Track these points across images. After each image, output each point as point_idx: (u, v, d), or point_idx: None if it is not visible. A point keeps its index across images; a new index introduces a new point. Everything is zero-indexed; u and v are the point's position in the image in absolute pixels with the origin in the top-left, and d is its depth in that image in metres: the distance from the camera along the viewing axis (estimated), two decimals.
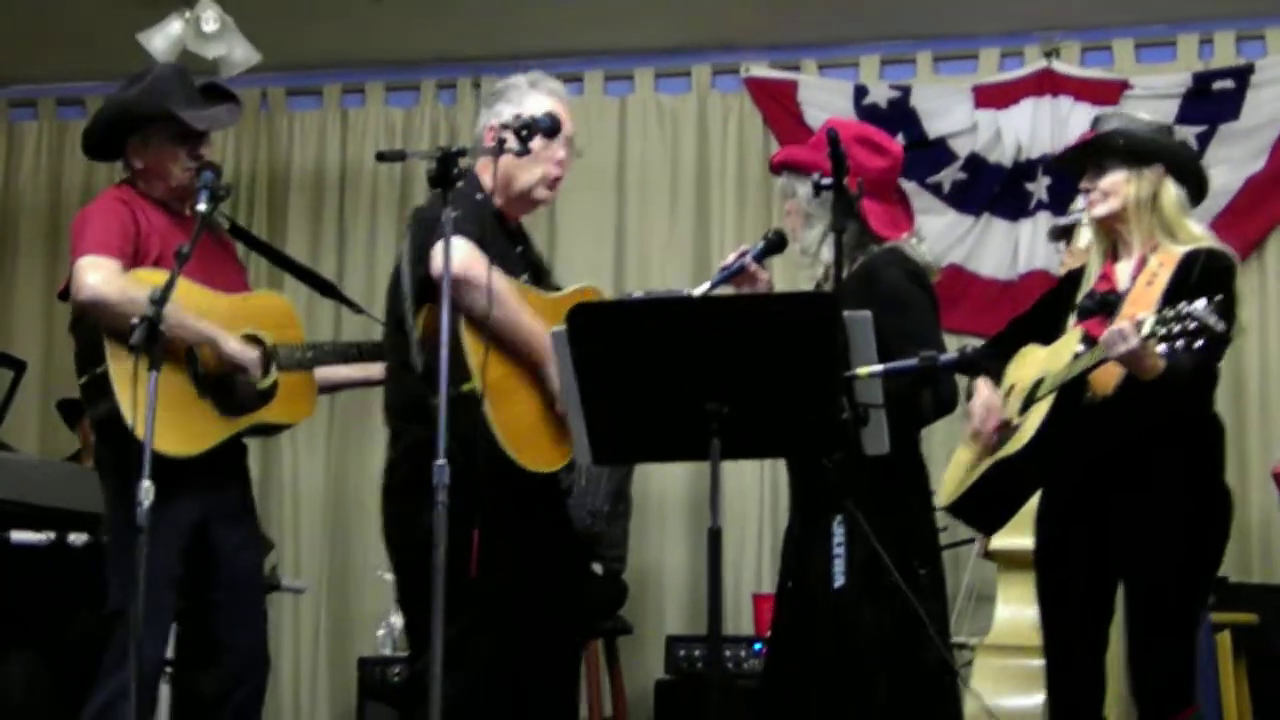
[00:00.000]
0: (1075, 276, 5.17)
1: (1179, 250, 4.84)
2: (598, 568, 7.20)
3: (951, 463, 5.16)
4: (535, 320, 4.74)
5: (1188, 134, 7.74)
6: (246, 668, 5.25)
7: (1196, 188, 5.04)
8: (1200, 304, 4.30)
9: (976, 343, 5.41)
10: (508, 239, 4.99)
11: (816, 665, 4.55)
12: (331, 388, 5.63)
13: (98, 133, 5.29)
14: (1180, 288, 4.68)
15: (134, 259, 5.02)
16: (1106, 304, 4.89)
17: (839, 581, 4.29)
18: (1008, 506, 5.08)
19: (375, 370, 5.51)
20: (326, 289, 5.79)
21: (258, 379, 5.13)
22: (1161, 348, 4.37)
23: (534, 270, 5.08)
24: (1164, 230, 4.91)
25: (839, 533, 4.26)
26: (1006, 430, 4.92)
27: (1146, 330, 4.39)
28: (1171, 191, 4.93)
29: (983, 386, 4.98)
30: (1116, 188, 4.95)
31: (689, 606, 8.17)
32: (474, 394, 4.52)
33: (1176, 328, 4.35)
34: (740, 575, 8.10)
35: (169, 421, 4.69)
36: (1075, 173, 5.14)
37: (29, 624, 6.71)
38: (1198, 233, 4.92)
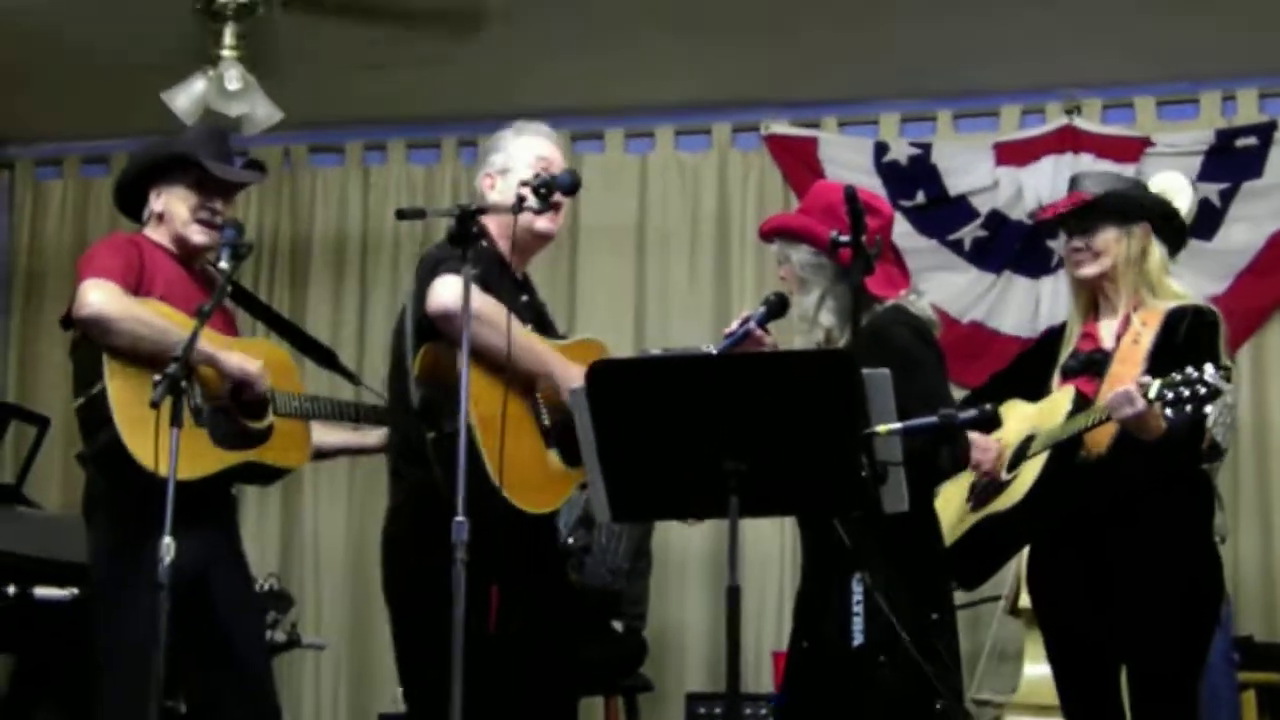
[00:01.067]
0: (1056, 333, 5.22)
1: (1161, 307, 4.90)
2: (618, 625, 7.19)
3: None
4: (530, 336, 4.76)
5: (1210, 191, 7.76)
6: None
7: (1176, 241, 5.10)
8: (1209, 369, 4.36)
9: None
10: (513, 287, 5.00)
11: None
12: (326, 454, 5.62)
13: (123, 185, 5.30)
14: (1167, 345, 4.74)
15: (135, 293, 4.99)
16: (1093, 363, 4.96)
17: (858, 640, 4.28)
18: (994, 561, 5.12)
19: (371, 438, 5.53)
20: (325, 358, 5.74)
21: (264, 390, 5.09)
22: (1168, 411, 4.42)
23: (539, 319, 5.09)
24: (1147, 288, 4.96)
25: (858, 591, 4.26)
26: (994, 486, 4.94)
27: (1153, 394, 4.43)
28: (1157, 250, 5.00)
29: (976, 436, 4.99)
30: (1108, 247, 5.00)
31: (709, 663, 8.15)
32: (469, 429, 4.47)
33: (1186, 391, 4.39)
34: (761, 632, 8.07)
35: (164, 445, 4.63)
36: (1054, 233, 5.18)
37: (53, 679, 6.72)
38: (1179, 289, 4.98)
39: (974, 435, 4.95)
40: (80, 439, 4.99)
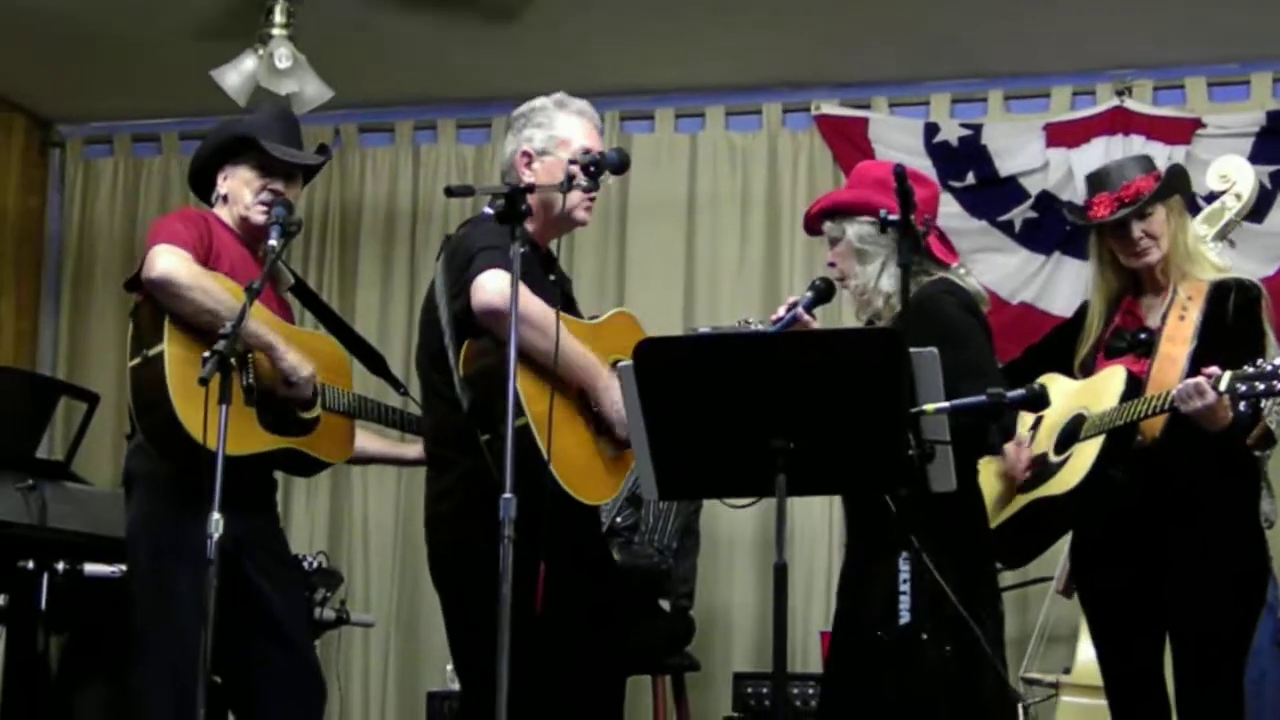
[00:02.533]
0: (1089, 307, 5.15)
1: (1204, 279, 4.83)
2: (665, 604, 7.19)
3: None
4: (582, 345, 4.74)
5: (1261, 173, 7.70)
6: None
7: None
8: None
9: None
10: (540, 266, 4.97)
11: (879, 702, 4.53)
12: (366, 460, 5.63)
13: (199, 164, 5.34)
14: (1216, 322, 4.68)
15: (204, 266, 5.01)
16: (1140, 342, 4.88)
17: (905, 619, 4.28)
18: (1041, 543, 5.07)
19: (411, 451, 5.54)
20: (376, 364, 5.74)
21: (308, 395, 5.11)
22: (1241, 406, 4.38)
23: (564, 297, 5.05)
24: (1188, 260, 4.89)
25: (904, 569, 4.25)
26: (1046, 467, 4.90)
27: (1224, 387, 4.38)
28: (1189, 220, 4.93)
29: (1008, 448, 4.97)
30: (1162, 228, 4.93)
31: (757, 643, 8.14)
32: (526, 430, 4.48)
33: (1261, 386, 4.34)
34: (809, 613, 8.06)
35: (213, 420, 4.64)
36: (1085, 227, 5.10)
37: (104, 656, 6.74)
38: (1216, 260, 4.91)
39: (1008, 447, 4.94)
40: (130, 400, 5.00)
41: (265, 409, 5.06)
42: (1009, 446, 4.91)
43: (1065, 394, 4.95)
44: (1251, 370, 4.39)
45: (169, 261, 4.89)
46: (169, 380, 4.84)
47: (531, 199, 4.78)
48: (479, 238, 4.73)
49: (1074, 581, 5.25)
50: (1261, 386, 4.38)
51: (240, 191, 5.21)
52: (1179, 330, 4.79)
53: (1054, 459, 4.94)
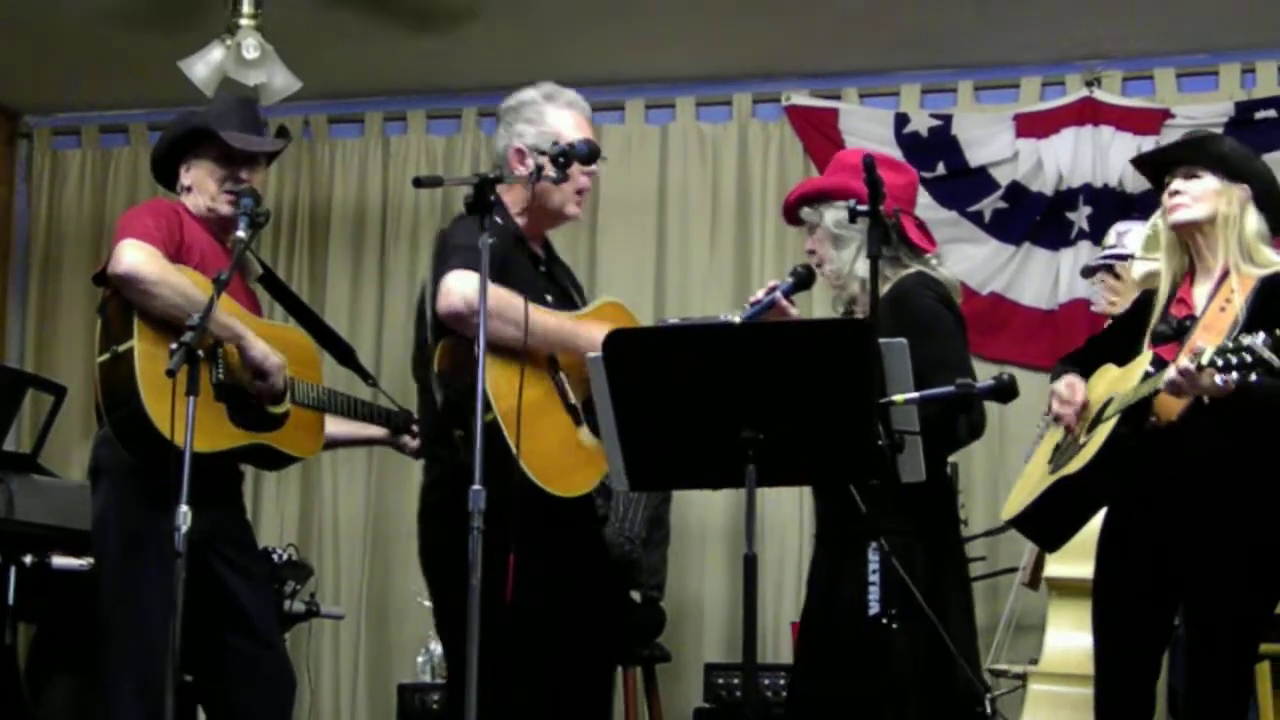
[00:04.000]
0: (1150, 297, 5.08)
1: (1256, 273, 4.77)
2: (636, 595, 7.19)
3: (1021, 475, 5.16)
4: (557, 317, 4.74)
5: None
6: None
7: (1274, 223, 4.91)
8: (1260, 338, 4.28)
9: (1013, 370, 5.39)
10: (530, 262, 4.96)
11: (849, 691, 4.54)
12: (333, 444, 5.62)
13: (159, 156, 5.33)
14: (1259, 316, 4.60)
15: (173, 261, 4.98)
16: (1184, 329, 4.81)
17: (874, 609, 4.28)
18: (1068, 524, 5.01)
19: (377, 430, 5.52)
20: (344, 355, 5.72)
21: (280, 387, 5.09)
22: (1220, 378, 4.34)
23: (560, 289, 5.04)
24: (1242, 252, 4.81)
25: (874, 560, 4.25)
26: (1074, 448, 4.89)
27: (1206, 360, 4.36)
28: (1254, 215, 4.85)
29: (1066, 375, 4.97)
30: (1208, 196, 4.83)
31: (728, 635, 8.16)
32: (494, 425, 4.47)
33: (1235, 360, 4.32)
34: (780, 604, 8.08)
35: (181, 415, 4.61)
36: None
37: (71, 649, 6.73)
38: (1275, 260, 4.84)
39: (1058, 387, 4.93)
40: (99, 396, 4.97)
41: (235, 404, 5.04)
42: (1060, 388, 4.93)
43: (1109, 380, 4.92)
44: (1230, 345, 4.35)
45: (135, 257, 4.86)
46: (139, 376, 4.80)
47: (516, 195, 4.79)
48: (456, 235, 4.72)
49: (1095, 567, 5.18)
50: (1235, 360, 4.34)
51: (204, 182, 5.19)
52: (1217, 320, 4.73)
53: (1082, 440, 4.92)
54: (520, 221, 4.93)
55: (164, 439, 4.62)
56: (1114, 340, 5.13)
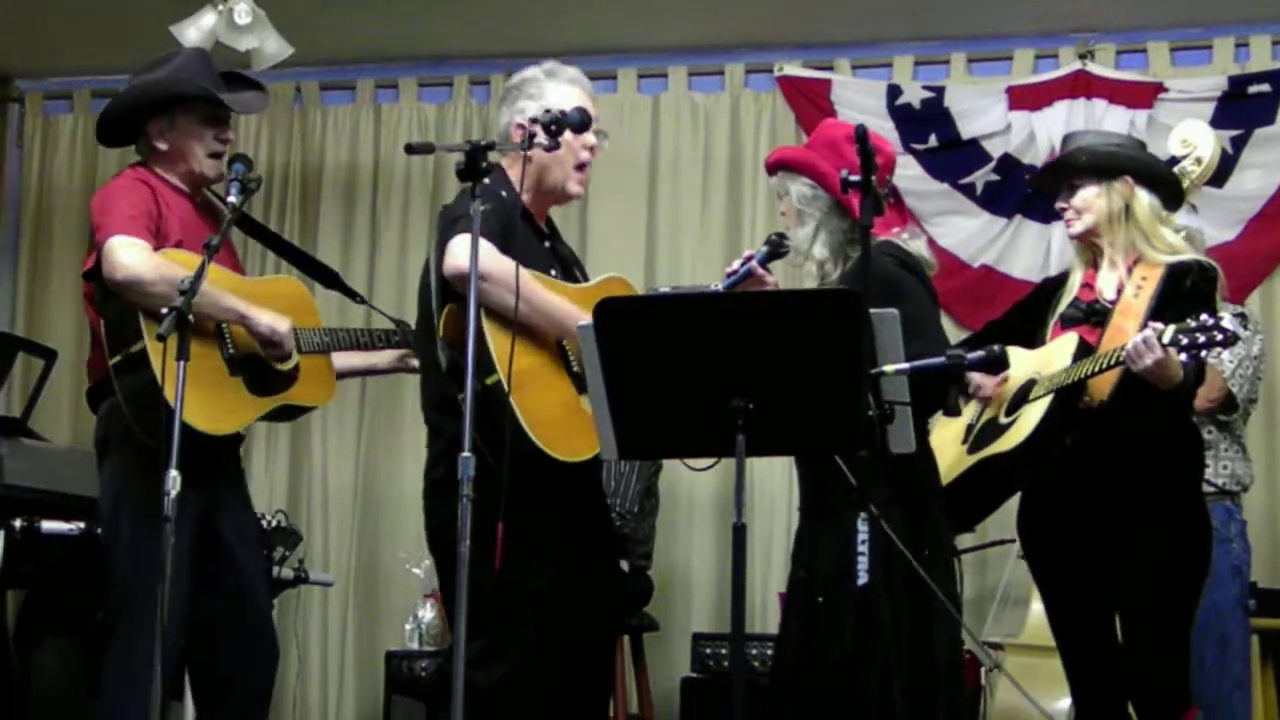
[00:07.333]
0: (1052, 283, 5.27)
1: (1161, 260, 4.93)
2: (624, 564, 7.20)
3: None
4: (561, 296, 4.75)
5: (1222, 137, 7.72)
6: (254, 706, 5.26)
7: (1170, 195, 5.14)
8: (1228, 316, 4.41)
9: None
10: (534, 235, 4.99)
11: (834, 660, 4.55)
12: (340, 375, 5.63)
13: (116, 115, 5.28)
14: (1169, 299, 4.77)
15: (155, 241, 4.99)
16: (1095, 313, 4.99)
17: (863, 580, 4.29)
18: (989, 503, 5.15)
19: (382, 359, 5.54)
20: (328, 278, 5.73)
21: (291, 349, 5.10)
22: (1183, 357, 4.47)
23: (563, 265, 5.08)
24: (1142, 239, 5.01)
25: (863, 530, 4.26)
26: (994, 428, 4.96)
27: (1168, 339, 4.48)
28: (1144, 201, 5.05)
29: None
30: (1088, 204, 5.11)
31: (716, 604, 8.15)
32: (498, 387, 4.51)
33: (1202, 338, 4.43)
34: (769, 573, 8.08)
35: (201, 400, 4.65)
36: (1051, 194, 5.23)
37: (61, 613, 6.74)
38: (1175, 242, 5.01)
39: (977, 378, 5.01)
40: (122, 402, 4.97)
41: (250, 374, 5.07)
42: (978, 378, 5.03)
43: (1021, 362, 5.01)
44: (1194, 324, 4.50)
45: (129, 259, 4.87)
46: (160, 378, 4.81)
47: (515, 168, 4.80)
48: (460, 206, 4.74)
49: (1023, 548, 5.30)
50: (1202, 338, 4.49)
51: (188, 146, 5.17)
52: (1132, 305, 4.90)
53: (1003, 421, 4.99)
54: (525, 198, 4.97)
55: (196, 431, 4.71)
56: (1014, 323, 5.26)
